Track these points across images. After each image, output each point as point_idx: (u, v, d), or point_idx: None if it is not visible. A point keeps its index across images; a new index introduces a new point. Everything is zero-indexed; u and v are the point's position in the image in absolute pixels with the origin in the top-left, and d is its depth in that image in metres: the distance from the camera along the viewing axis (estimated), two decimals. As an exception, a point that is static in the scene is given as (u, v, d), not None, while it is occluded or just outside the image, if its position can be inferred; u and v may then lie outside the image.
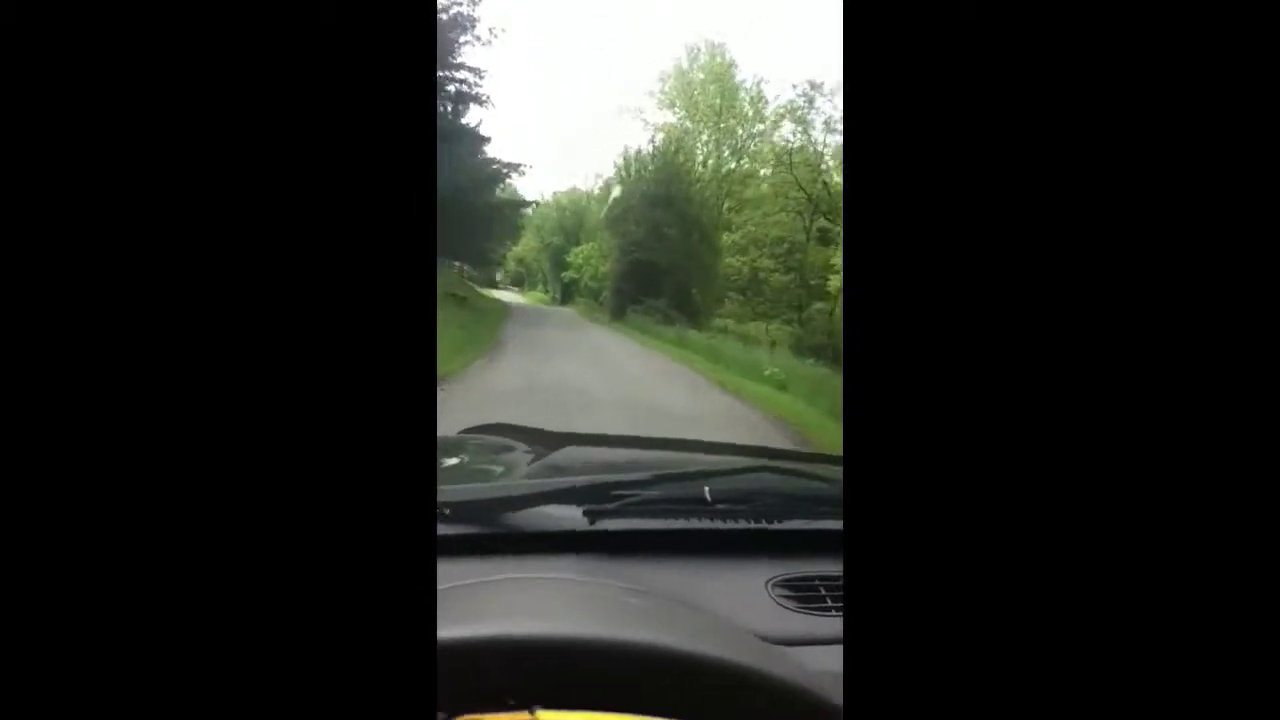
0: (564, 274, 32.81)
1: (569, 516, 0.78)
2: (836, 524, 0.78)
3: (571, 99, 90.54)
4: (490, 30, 15.97)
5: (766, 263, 23.71)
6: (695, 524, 0.81)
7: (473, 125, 17.04)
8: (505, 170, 18.41)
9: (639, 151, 22.49)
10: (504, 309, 20.96)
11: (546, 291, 39.78)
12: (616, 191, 23.11)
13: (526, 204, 20.34)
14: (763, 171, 24.39)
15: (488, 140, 17.82)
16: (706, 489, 0.83)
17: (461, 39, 15.55)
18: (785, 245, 23.15)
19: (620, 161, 23.02)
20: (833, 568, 0.78)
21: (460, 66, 15.82)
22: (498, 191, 19.29)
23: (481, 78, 16.34)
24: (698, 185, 22.61)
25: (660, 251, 21.00)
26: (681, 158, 22.08)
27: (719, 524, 0.83)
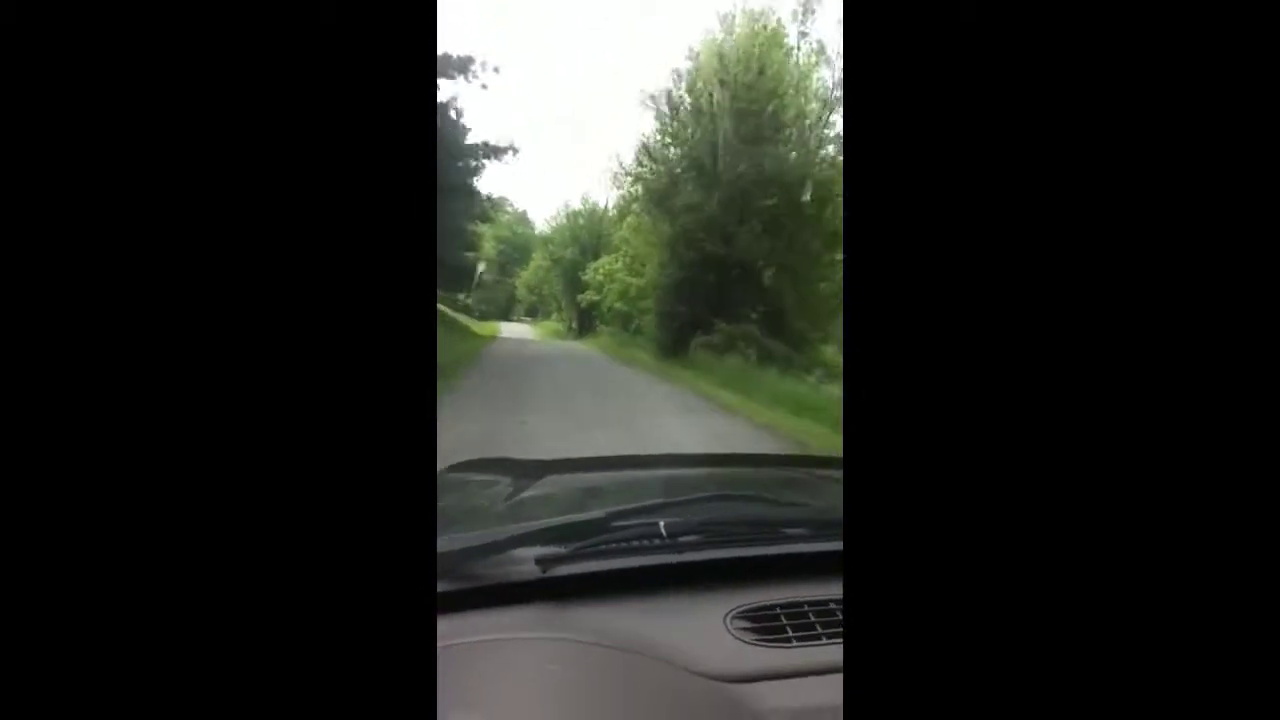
0: (581, 296, 24.67)
1: (526, 561, 0.77)
2: (796, 547, 0.85)
3: (575, 82, 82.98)
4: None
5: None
6: (650, 560, 0.81)
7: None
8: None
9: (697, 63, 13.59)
10: (457, 362, 11.52)
11: (562, 321, 31.40)
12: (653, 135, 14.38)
13: (503, 150, 12.03)
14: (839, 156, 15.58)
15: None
16: (661, 523, 0.83)
17: None
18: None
19: (660, 96, 14.51)
20: (793, 593, 0.78)
21: None
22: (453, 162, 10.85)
23: None
24: (798, 123, 13.55)
25: (747, 238, 12.34)
26: (776, 58, 13.00)
27: (674, 557, 0.81)
